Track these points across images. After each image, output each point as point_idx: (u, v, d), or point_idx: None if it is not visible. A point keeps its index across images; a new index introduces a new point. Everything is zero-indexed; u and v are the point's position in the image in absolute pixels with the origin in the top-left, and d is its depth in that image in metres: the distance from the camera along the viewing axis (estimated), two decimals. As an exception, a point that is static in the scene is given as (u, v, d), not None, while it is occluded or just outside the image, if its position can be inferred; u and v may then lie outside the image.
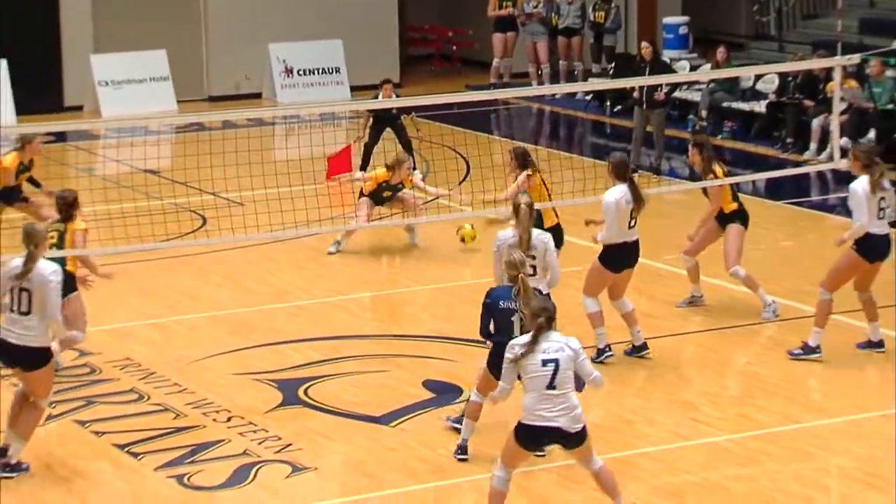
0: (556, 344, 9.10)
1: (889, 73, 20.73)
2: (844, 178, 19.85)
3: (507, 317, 10.17)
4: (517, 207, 11.06)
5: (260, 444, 11.01)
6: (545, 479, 10.37)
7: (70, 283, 11.72)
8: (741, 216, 13.93)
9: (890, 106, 20.18)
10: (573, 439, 9.16)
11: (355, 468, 10.65)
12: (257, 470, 10.57)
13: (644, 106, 20.02)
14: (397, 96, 19.53)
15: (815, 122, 20.56)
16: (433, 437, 10.91)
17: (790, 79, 21.65)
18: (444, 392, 11.65)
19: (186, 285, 15.14)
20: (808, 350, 12.62)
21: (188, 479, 10.46)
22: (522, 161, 13.69)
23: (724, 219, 13.86)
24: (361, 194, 16.25)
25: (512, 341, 9.27)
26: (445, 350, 12.68)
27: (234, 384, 12.25)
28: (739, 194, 14.20)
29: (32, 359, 10.25)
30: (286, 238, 15.89)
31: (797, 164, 19.75)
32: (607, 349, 12.44)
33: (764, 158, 20.68)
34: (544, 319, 9.11)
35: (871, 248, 12.43)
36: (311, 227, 15.58)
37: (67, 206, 12.05)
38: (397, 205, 16.32)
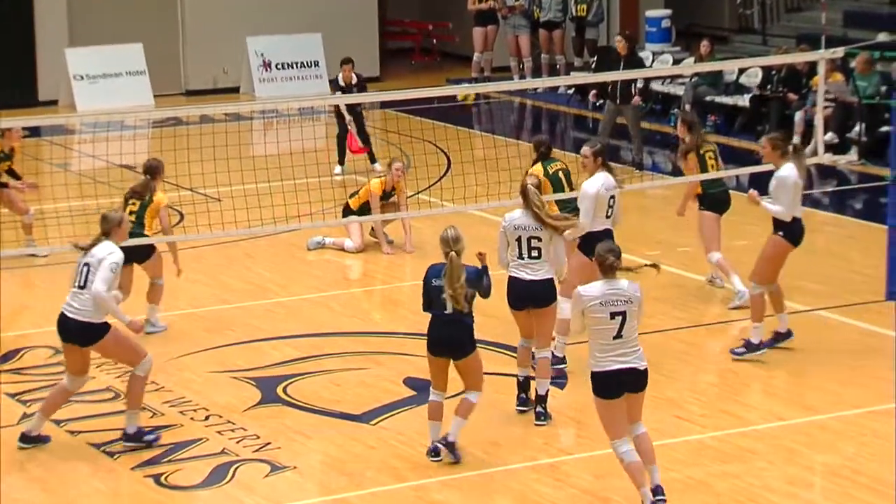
0: (624, 295, 9.45)
1: (876, 67, 20.72)
2: (828, 173, 19.95)
3: (439, 294, 10.38)
4: (525, 189, 11.17)
5: (238, 442, 10.97)
6: (527, 477, 10.35)
7: (152, 248, 13.30)
8: (707, 201, 14.08)
9: (875, 99, 20.20)
10: (643, 377, 9.56)
11: (334, 467, 10.62)
12: (235, 469, 10.53)
13: (618, 101, 20.01)
14: (357, 76, 19.59)
15: (798, 116, 20.59)
16: (413, 435, 10.88)
17: (774, 72, 21.67)
18: (424, 390, 11.61)
19: (163, 282, 15.07)
20: (751, 347, 12.44)
21: (165, 478, 10.42)
22: (545, 152, 13.58)
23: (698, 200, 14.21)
24: (349, 210, 15.93)
25: (581, 291, 9.51)
26: (426, 347, 12.63)
27: (211, 382, 12.21)
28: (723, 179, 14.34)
29: (83, 334, 10.60)
30: (265, 234, 15.84)
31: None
32: (564, 359, 12.27)
33: (747, 153, 20.67)
34: (614, 258, 9.46)
35: (795, 233, 12.45)
36: (290, 224, 15.54)
37: (153, 173, 13.25)
38: (389, 209, 16.13)
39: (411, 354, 12.62)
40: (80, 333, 10.62)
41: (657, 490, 9.63)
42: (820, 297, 14.22)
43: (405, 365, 12.48)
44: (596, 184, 12.10)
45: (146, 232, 13.21)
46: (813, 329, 13.35)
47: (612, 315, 9.40)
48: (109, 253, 10.67)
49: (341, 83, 19.65)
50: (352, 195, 16.14)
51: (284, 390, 12.00)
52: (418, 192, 17.73)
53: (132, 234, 12.31)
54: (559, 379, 11.96)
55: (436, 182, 18.27)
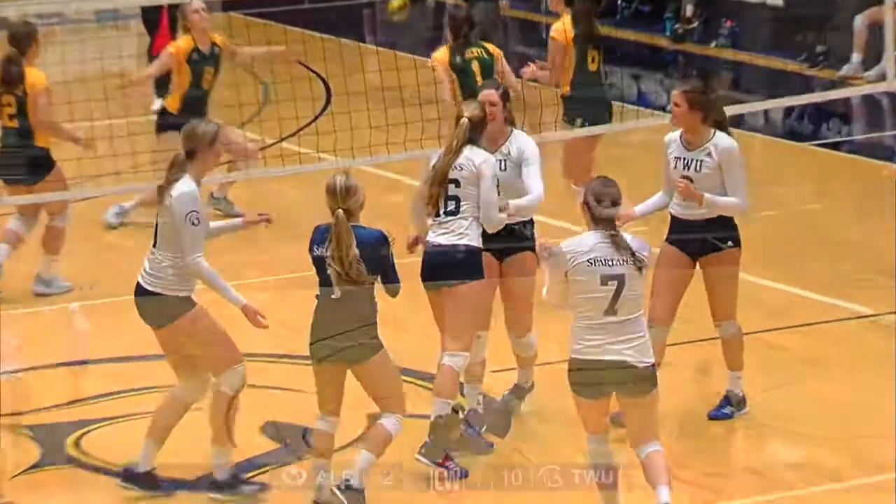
0: (623, 253, 9.72)
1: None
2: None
3: (323, 268, 10.49)
4: (458, 118, 11.39)
5: (7, 526, 10.99)
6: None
7: (48, 160, 14.37)
8: (576, 111, 14.90)
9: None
10: (643, 379, 9.79)
11: (155, 562, 10.68)
12: (2, 568, 10.54)
13: None
14: None
15: (859, 22, 20.77)
16: (277, 509, 10.94)
17: (820, -47, 21.93)
18: (292, 439, 11.66)
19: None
20: (739, 404, 12.23)
21: None
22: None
23: None
24: (166, 116, 16.25)
25: (566, 245, 9.80)
26: (298, 375, 12.64)
27: (-36, 433, 12.20)
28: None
29: (153, 309, 11.16)
30: (44, 202, 15.77)
31: (831, 85, 19.99)
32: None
33: (780, 76, 20.90)
34: (609, 202, 9.73)
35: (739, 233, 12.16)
36: (86, 189, 15.50)
37: (24, 43, 14.47)
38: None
39: (275, 387, 12.64)
40: (149, 309, 11.09)
41: None
42: (893, 298, 14.40)
43: (266, 402, 12.48)
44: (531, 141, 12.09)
45: (38, 142, 14.02)
46: (880, 343, 13.50)
47: (605, 279, 9.69)
48: (182, 193, 10.88)
49: None
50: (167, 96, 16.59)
51: (77, 444, 11.99)
52: (282, 139, 17.72)
53: (17, 147, 13.25)
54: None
55: (310, 123, 18.29)
